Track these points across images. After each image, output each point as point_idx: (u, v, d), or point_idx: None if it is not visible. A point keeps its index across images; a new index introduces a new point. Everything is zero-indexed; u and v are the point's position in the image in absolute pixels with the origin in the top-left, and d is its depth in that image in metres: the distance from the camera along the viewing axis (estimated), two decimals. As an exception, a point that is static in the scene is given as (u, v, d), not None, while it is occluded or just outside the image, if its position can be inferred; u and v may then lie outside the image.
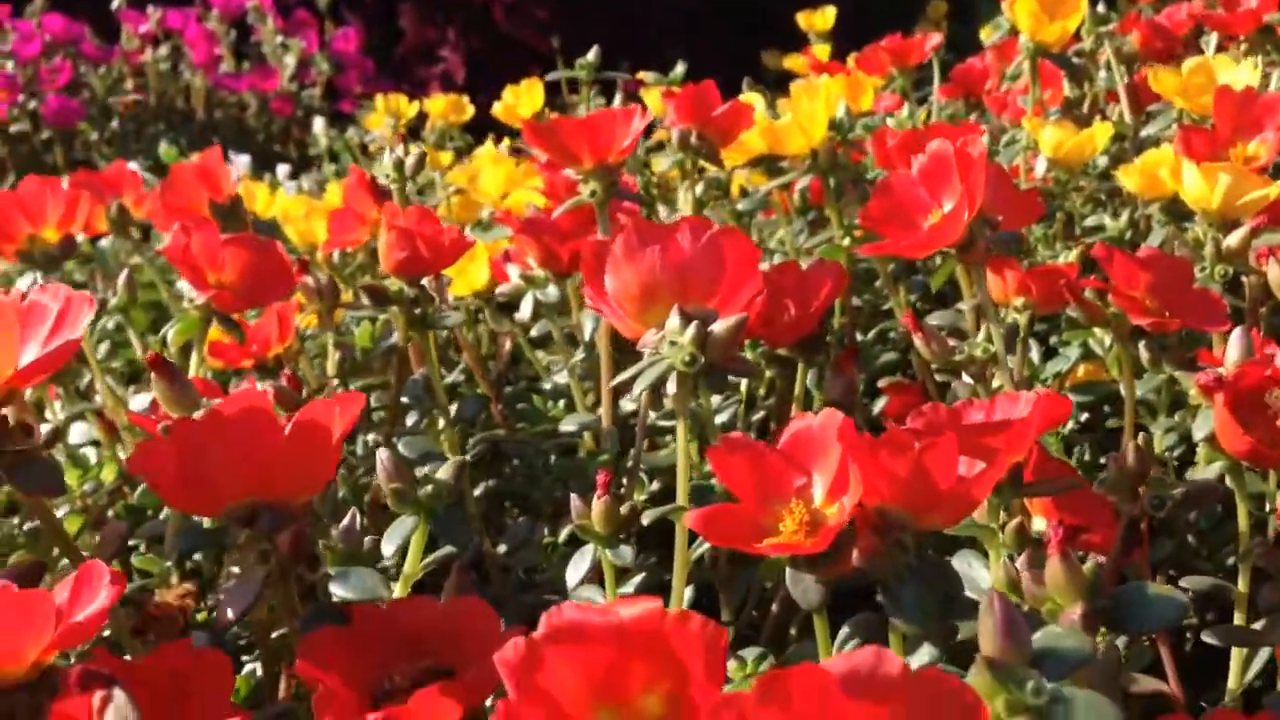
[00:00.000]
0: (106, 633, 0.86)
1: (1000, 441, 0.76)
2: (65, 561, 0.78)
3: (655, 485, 1.15)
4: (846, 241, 1.45)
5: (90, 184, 1.49)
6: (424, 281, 1.08)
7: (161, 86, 3.76)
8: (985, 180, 0.97)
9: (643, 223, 0.84)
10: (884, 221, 1.03)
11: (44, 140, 3.42)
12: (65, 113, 3.33)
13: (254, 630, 0.96)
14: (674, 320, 0.80)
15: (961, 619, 0.76)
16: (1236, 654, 0.89)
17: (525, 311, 1.29)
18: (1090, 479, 0.91)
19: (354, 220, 1.46)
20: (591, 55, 1.79)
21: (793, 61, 2.56)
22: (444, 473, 0.77)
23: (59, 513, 1.13)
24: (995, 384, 1.10)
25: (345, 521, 0.82)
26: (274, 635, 0.86)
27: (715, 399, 1.21)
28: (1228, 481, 0.86)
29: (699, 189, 1.50)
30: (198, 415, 0.73)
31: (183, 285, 1.87)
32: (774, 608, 1.07)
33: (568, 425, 1.21)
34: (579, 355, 1.29)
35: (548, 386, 1.44)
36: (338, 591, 0.75)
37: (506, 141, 1.99)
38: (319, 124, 2.96)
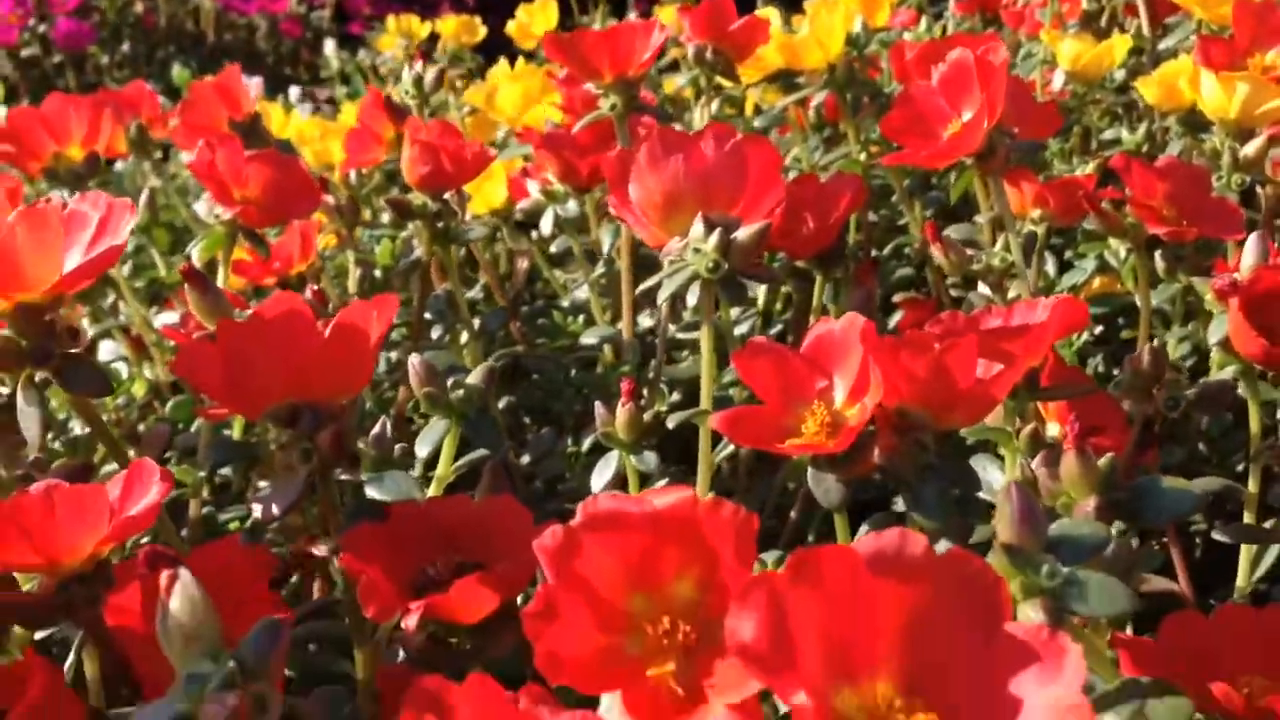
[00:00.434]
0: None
1: (1018, 345, 0.77)
2: (110, 466, 0.81)
3: (675, 396, 1.17)
4: (863, 156, 1.46)
5: (109, 104, 1.49)
6: (446, 196, 1.10)
7: (171, 9, 3.73)
8: (1005, 89, 0.97)
9: (667, 131, 0.85)
10: (904, 131, 1.04)
11: (55, 64, 3.40)
12: (76, 36, 3.31)
13: (285, 533, 0.99)
14: (698, 227, 0.81)
15: (976, 519, 0.79)
16: (1245, 553, 0.92)
17: (546, 227, 1.30)
18: (1105, 389, 0.93)
19: (371, 140, 1.47)
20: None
21: (808, -23, 2.53)
22: (474, 377, 0.80)
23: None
24: (1011, 294, 1.12)
25: (376, 429, 0.85)
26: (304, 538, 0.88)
27: (733, 312, 1.23)
28: (1240, 387, 0.87)
29: (714, 106, 1.50)
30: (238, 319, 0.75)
31: (199, 206, 1.89)
32: (792, 514, 1.09)
33: (589, 338, 1.22)
34: (599, 270, 1.30)
35: (565, 304, 1.46)
36: (373, 494, 0.77)
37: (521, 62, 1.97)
38: (330, 46, 2.94)
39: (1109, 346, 1.35)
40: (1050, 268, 1.34)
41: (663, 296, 0.81)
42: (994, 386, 0.73)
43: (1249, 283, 0.83)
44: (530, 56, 2.27)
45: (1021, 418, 0.88)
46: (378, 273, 1.53)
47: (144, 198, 1.41)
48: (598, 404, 0.90)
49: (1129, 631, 0.81)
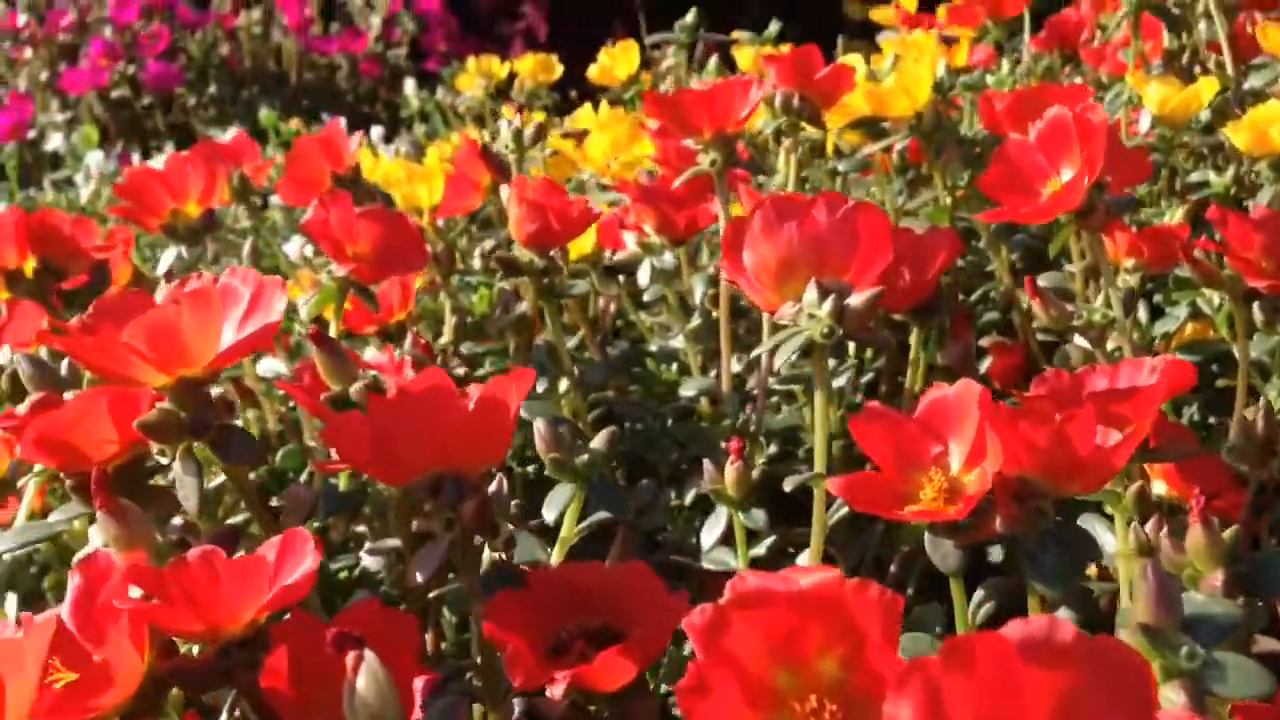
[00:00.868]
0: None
1: (1130, 409, 0.78)
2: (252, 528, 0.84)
3: (772, 448, 1.19)
4: (949, 201, 1.47)
5: (213, 154, 1.55)
6: (551, 253, 1.13)
7: (255, 50, 3.83)
8: (1104, 147, 0.99)
9: (780, 198, 0.87)
10: (1002, 188, 1.05)
11: (145, 105, 3.51)
12: (165, 78, 3.41)
13: (404, 592, 1.02)
14: (811, 293, 0.83)
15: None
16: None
17: (643, 278, 1.32)
18: (1200, 439, 0.93)
19: (469, 188, 1.51)
20: (690, 17, 1.81)
21: (881, 14, 2.55)
22: (598, 442, 0.82)
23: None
24: (1110, 346, 1.12)
25: (493, 488, 0.87)
26: (431, 595, 0.91)
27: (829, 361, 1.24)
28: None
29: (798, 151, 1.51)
30: (387, 393, 0.78)
31: (289, 247, 1.94)
32: (892, 568, 1.11)
33: (687, 390, 1.25)
34: (695, 321, 1.32)
35: (653, 348, 1.48)
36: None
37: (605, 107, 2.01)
38: (410, 85, 3.01)
39: (1203, 395, 1.34)
40: (1142, 313, 1.34)
41: (779, 362, 0.83)
42: (1115, 455, 0.75)
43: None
44: (601, 91, 2.30)
45: (1129, 477, 0.89)
46: (469, 320, 1.56)
47: (247, 247, 1.46)
48: (706, 461, 0.92)
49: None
